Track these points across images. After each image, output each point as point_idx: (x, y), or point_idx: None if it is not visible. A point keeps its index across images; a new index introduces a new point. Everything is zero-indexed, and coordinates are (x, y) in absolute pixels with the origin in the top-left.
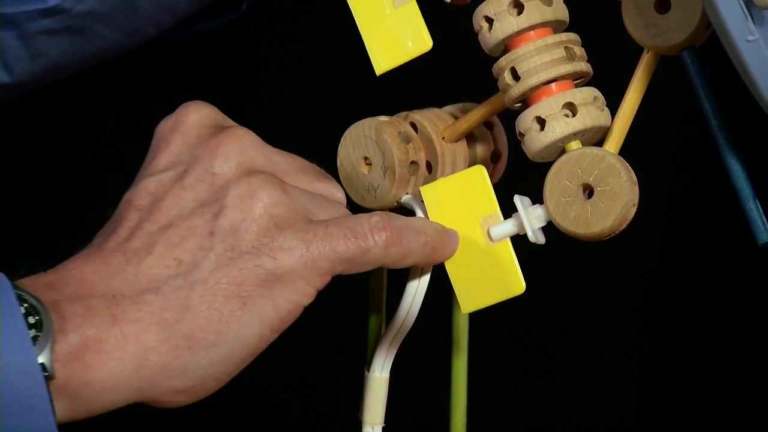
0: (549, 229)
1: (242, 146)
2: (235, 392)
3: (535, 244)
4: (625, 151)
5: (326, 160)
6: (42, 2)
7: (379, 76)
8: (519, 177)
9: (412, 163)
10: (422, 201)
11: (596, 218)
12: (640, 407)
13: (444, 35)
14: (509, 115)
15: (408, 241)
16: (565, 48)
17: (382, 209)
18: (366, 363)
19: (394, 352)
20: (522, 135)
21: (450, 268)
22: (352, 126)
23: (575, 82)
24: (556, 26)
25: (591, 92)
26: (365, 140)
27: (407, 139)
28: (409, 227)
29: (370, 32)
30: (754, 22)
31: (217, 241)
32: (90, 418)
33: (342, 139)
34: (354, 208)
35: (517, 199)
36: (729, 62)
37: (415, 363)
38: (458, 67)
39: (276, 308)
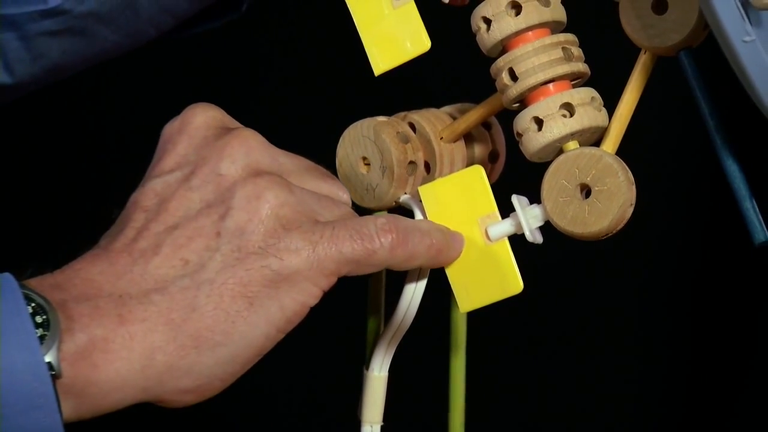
0: (546, 228)
1: (249, 147)
2: (234, 391)
3: (532, 244)
4: (623, 151)
5: (325, 160)
6: (43, 3)
7: (378, 76)
8: (517, 177)
9: (411, 163)
10: (420, 201)
11: (594, 218)
12: (640, 407)
13: (442, 36)
14: (507, 116)
15: (414, 243)
16: (563, 48)
17: (380, 209)
18: (365, 362)
19: (393, 351)
20: (520, 135)
21: (448, 267)
22: (350, 126)
23: (573, 82)
24: (554, 27)
25: (588, 92)
26: (364, 140)
27: (406, 139)
28: (415, 229)
29: (368, 33)
30: (750, 23)
31: (223, 241)
32: (95, 418)
33: (341, 139)
34: (354, 208)
35: (515, 199)
36: (726, 63)
37: (414, 362)
38: (456, 67)
39: (282, 309)
